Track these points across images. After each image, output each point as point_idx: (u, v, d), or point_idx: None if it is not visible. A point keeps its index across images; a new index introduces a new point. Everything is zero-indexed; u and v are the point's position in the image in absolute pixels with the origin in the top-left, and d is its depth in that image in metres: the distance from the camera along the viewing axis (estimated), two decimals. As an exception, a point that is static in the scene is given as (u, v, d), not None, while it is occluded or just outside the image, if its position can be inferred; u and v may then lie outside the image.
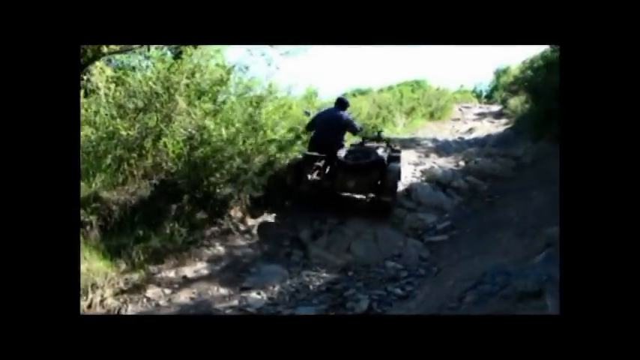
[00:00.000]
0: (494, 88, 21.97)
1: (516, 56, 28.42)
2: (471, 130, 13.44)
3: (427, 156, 9.56)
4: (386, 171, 5.63)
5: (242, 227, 5.16)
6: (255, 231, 5.21)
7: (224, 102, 5.56)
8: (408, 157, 8.69)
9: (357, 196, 6.17)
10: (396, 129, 12.63)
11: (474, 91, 24.37)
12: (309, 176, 5.61)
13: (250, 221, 5.33)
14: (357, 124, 6.30)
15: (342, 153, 5.76)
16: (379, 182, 5.63)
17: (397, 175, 5.81)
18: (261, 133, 5.30)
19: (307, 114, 6.38)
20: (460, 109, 18.33)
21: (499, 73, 21.73)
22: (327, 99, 9.03)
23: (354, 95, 16.01)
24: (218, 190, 4.90)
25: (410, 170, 8.07)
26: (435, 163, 8.87)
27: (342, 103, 6.13)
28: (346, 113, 6.14)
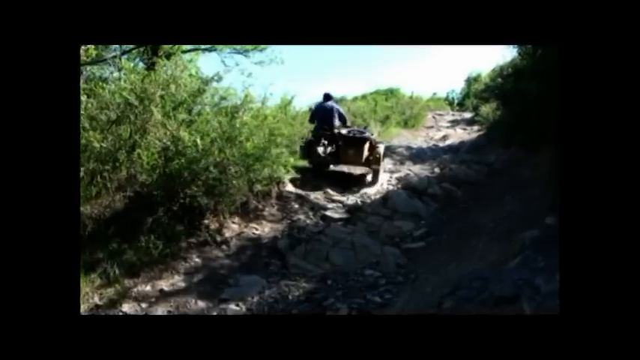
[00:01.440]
0: (466, 96, 22.30)
1: (487, 64, 29.00)
2: (444, 138, 13.64)
3: (402, 163, 9.67)
4: (375, 147, 7.84)
5: (219, 238, 5.11)
6: (232, 242, 5.17)
7: (199, 113, 5.52)
8: (383, 164, 8.77)
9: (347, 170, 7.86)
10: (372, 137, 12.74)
11: (446, 99, 24.77)
12: (319, 151, 7.41)
13: (227, 232, 5.29)
14: (346, 116, 8.26)
15: (343, 130, 7.87)
16: (370, 156, 7.71)
17: (382, 150, 8.04)
18: (238, 143, 5.28)
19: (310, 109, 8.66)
20: (434, 117, 18.60)
21: (470, 81, 22.09)
22: (299, 108, 9.17)
23: (328, 104, 16.05)
24: (194, 202, 4.85)
25: (385, 178, 8.13)
26: (410, 170, 8.97)
27: (328, 96, 8.15)
28: (336, 104, 8.24)
